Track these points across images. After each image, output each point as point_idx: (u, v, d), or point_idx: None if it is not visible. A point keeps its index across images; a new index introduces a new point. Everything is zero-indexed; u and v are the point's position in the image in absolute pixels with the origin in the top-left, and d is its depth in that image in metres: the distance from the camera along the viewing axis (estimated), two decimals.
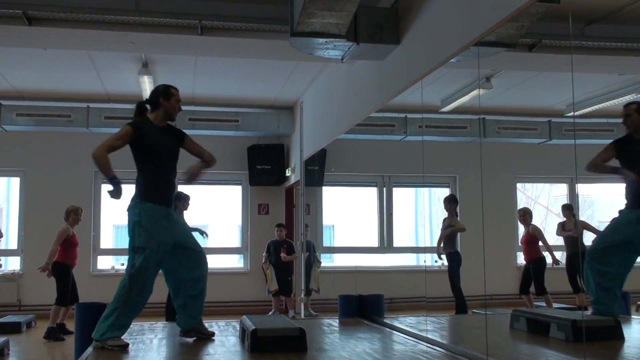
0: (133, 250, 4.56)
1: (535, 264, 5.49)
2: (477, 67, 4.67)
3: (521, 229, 5.62)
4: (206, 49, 7.35)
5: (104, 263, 11.65)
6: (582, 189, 5.21)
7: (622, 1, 3.91)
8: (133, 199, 4.66)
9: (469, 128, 5.96)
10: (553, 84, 5.04)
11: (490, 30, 4.23)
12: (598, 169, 4.26)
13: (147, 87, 9.09)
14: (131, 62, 8.60)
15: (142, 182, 4.69)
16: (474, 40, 4.44)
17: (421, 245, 8.12)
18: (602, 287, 4.30)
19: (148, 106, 4.91)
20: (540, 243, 5.52)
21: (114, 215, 11.81)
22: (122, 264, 9.32)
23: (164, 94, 4.84)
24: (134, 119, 4.84)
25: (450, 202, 6.70)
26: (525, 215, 5.61)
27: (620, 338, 4.14)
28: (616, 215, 4.30)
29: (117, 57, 8.38)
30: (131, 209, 4.63)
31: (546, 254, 5.31)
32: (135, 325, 5.77)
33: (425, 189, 7.13)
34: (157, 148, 4.71)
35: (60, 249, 8.54)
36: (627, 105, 4.16)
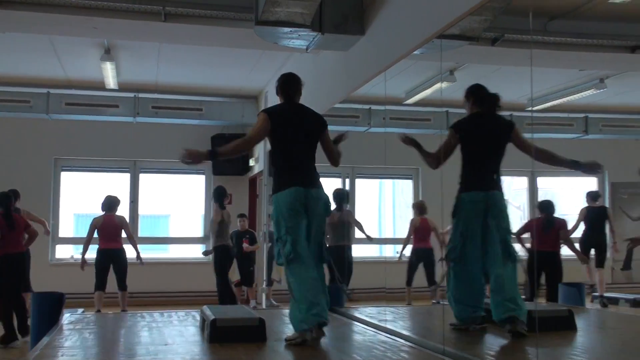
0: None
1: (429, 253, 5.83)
2: (440, 60, 4.69)
3: None
4: (170, 36, 7.26)
5: (63, 252, 11.46)
6: (542, 182, 5.30)
7: None
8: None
9: (433, 121, 6.00)
10: (515, 78, 5.09)
11: (454, 22, 4.25)
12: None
13: (109, 73, 8.95)
14: (93, 47, 8.44)
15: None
16: (437, 33, 4.46)
17: (384, 236, 8.16)
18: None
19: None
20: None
21: (74, 203, 11.63)
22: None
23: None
24: None
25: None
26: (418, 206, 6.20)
27: (573, 328, 4.23)
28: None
29: (79, 42, 8.22)
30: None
31: None
32: (92, 316, 5.71)
33: (389, 181, 7.17)
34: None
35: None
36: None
